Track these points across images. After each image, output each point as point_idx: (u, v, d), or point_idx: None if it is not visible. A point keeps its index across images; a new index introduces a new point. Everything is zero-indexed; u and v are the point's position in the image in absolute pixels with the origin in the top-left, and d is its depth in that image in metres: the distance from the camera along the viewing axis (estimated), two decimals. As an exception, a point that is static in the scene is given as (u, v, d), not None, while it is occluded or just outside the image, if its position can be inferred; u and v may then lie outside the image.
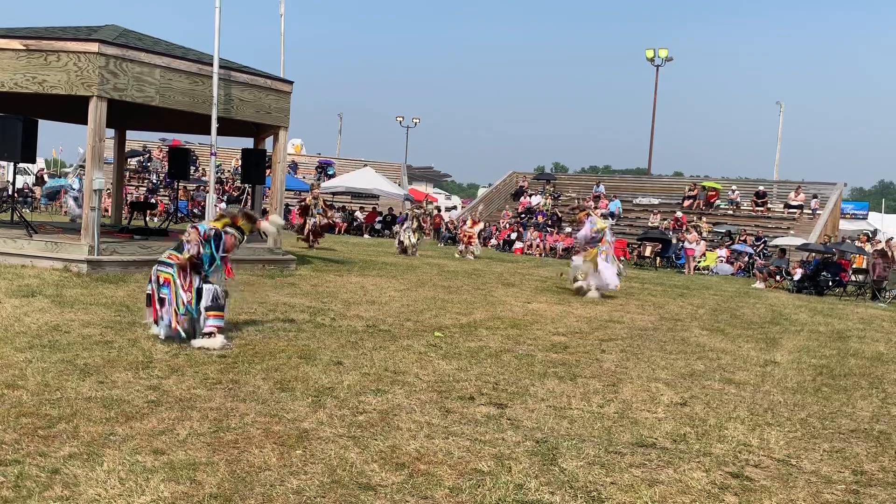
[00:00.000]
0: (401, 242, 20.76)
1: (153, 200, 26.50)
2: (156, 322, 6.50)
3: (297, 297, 9.90)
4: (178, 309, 6.34)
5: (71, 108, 13.56)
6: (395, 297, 10.76)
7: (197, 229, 6.58)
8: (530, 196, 33.70)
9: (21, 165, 17.91)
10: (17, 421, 4.16)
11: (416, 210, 23.26)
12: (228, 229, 6.68)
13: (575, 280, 13.05)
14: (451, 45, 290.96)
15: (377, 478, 3.76)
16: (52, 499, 3.24)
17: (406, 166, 43.34)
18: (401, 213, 24.05)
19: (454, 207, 28.04)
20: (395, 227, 25.67)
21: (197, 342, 6.29)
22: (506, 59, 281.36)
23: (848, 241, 23.99)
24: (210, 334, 6.33)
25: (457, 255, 21.26)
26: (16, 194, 17.47)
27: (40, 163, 40.54)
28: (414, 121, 61.13)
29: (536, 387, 5.91)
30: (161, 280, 6.40)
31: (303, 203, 20.86)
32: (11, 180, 17.14)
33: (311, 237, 19.40)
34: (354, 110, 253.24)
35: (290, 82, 13.61)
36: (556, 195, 34.30)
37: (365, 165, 37.23)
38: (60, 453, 3.75)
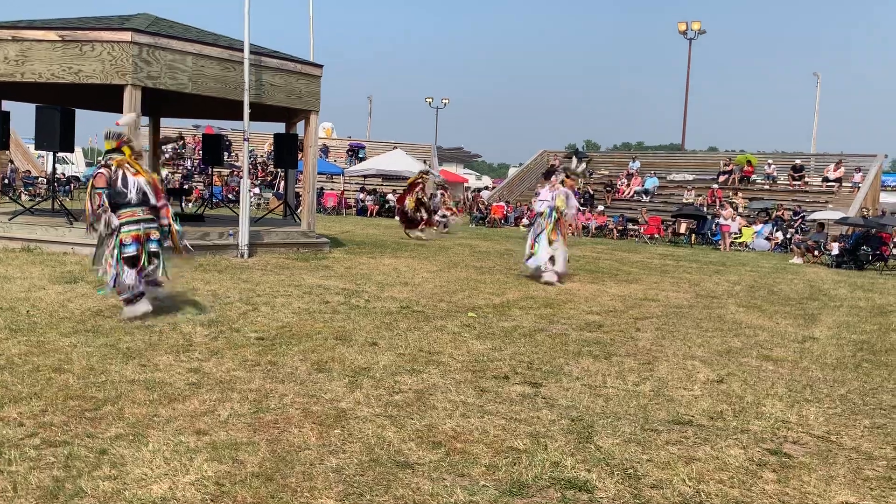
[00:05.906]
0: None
1: (188, 187, 26.84)
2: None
3: (331, 279, 10.00)
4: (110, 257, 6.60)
5: (106, 97, 13.76)
6: (428, 278, 10.81)
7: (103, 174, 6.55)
8: (562, 175, 33.43)
9: (60, 155, 18.29)
10: (65, 403, 4.29)
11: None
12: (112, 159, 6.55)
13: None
14: (478, 23, 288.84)
15: (414, 456, 3.81)
16: (101, 478, 3.34)
17: (436, 147, 43.32)
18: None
19: (485, 188, 27.72)
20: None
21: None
22: (534, 36, 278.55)
23: (890, 213, 23.43)
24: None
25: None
26: (55, 183, 17.82)
27: (78, 152, 41.24)
28: (443, 101, 61.01)
29: (571, 366, 5.91)
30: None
31: (412, 184, 19.09)
32: (51, 170, 17.49)
33: (415, 222, 18.16)
34: (384, 93, 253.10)
35: (320, 66, 13.64)
36: (588, 173, 34.01)
37: (395, 147, 37.26)
38: (107, 434, 3.86)
